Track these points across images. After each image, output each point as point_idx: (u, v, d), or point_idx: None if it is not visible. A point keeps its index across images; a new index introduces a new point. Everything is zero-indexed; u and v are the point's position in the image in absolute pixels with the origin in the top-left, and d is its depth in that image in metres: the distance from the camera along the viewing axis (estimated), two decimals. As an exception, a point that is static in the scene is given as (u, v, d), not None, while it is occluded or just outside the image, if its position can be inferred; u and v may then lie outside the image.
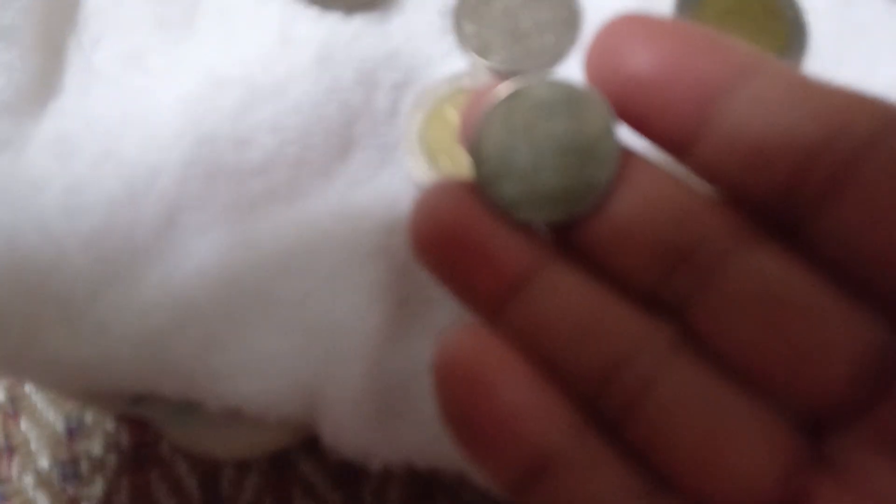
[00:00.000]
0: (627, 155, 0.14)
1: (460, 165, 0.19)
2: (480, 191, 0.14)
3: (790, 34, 0.19)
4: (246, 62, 0.18)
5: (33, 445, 0.21)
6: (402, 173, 0.19)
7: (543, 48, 0.19)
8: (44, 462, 0.21)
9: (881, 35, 0.19)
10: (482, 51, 0.19)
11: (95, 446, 0.21)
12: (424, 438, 0.17)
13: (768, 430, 0.13)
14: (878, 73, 0.18)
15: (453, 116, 0.19)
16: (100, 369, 0.17)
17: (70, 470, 0.21)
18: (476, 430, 0.13)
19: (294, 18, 0.18)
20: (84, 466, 0.21)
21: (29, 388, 0.22)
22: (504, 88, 0.13)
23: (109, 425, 0.21)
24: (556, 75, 0.14)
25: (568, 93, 0.13)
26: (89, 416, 0.22)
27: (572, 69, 0.19)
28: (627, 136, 0.14)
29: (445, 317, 0.18)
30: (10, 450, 0.21)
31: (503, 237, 0.14)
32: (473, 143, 0.14)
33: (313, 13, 0.19)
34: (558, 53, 0.19)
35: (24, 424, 0.22)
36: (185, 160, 0.17)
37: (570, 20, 0.19)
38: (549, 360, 0.13)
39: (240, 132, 0.18)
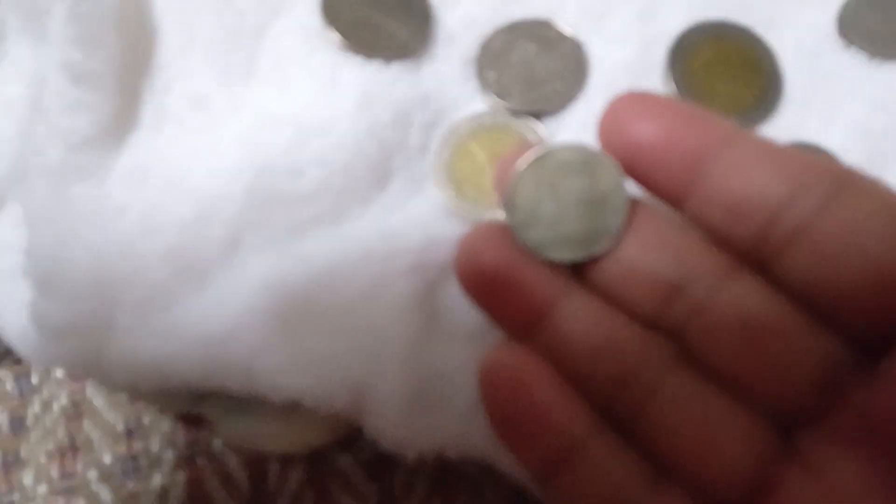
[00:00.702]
0: (635, 205, 0.17)
1: (483, 193, 0.21)
2: (513, 235, 0.17)
3: (767, 82, 0.22)
4: (298, 105, 0.21)
5: (96, 444, 0.24)
6: (432, 201, 0.21)
7: (555, 93, 0.22)
8: (106, 458, 0.23)
9: (844, 84, 0.22)
10: (502, 94, 0.22)
11: (153, 444, 0.23)
12: (454, 430, 0.19)
13: (748, 428, 0.15)
14: (839, 118, 0.21)
15: (477, 152, 0.22)
16: (171, 367, 0.19)
17: (130, 465, 0.23)
18: (514, 425, 0.16)
19: (340, 67, 0.21)
20: (143, 462, 0.23)
21: (90, 393, 0.24)
22: (533, 152, 0.16)
23: (165, 425, 0.23)
24: (575, 141, 0.17)
25: (585, 155, 0.16)
26: (147, 418, 0.24)
27: (579, 111, 0.22)
28: (635, 190, 0.16)
29: (471, 326, 0.20)
30: (75, 448, 0.23)
31: (533, 273, 0.17)
32: (508, 196, 0.17)
33: (357, 61, 0.21)
34: (567, 98, 0.22)
35: (86, 425, 0.24)
36: (246, 189, 0.20)
37: (577, 69, 0.22)
38: (572, 371, 0.16)
39: (292, 165, 0.20)
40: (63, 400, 0.24)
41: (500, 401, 0.17)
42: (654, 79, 0.22)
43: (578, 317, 0.16)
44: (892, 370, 0.14)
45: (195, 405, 0.21)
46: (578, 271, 0.17)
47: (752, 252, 0.15)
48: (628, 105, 0.16)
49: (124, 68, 0.21)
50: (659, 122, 0.16)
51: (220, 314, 0.19)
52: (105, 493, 0.23)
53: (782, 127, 0.21)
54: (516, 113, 0.22)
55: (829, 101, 0.21)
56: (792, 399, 0.15)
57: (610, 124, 0.16)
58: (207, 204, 0.20)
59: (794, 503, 0.14)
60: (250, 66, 0.21)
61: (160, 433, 0.23)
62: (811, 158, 0.15)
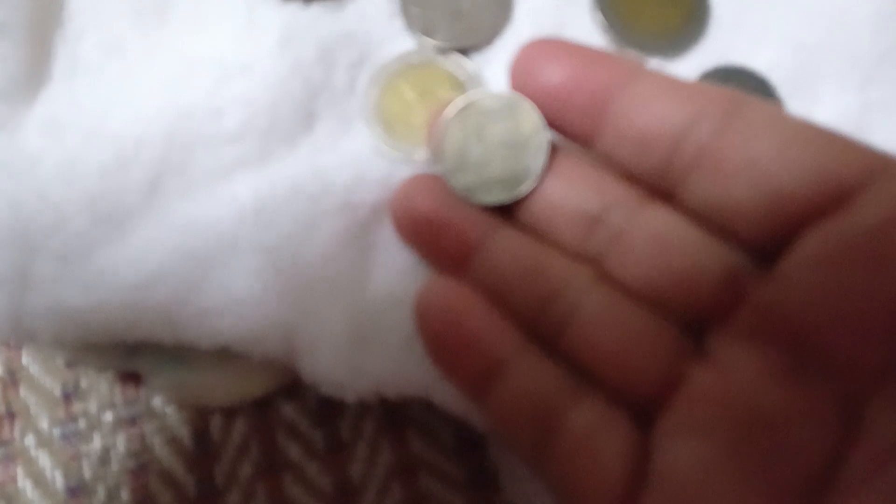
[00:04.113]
0: (555, 148, 0.18)
1: (413, 131, 0.21)
2: (444, 181, 0.18)
3: (694, 4, 0.22)
4: (217, 45, 0.20)
5: (32, 410, 0.23)
6: (361, 141, 0.21)
7: (481, 26, 0.22)
8: (43, 424, 0.23)
9: (772, 4, 0.22)
10: (427, 30, 0.21)
11: (92, 406, 0.23)
12: (391, 366, 0.19)
13: (661, 334, 0.17)
14: (769, 34, 0.21)
15: (405, 90, 0.22)
16: (95, 317, 0.18)
17: (69, 429, 0.23)
18: (448, 349, 0.18)
19: (258, 7, 0.21)
20: (82, 424, 0.23)
21: (26, 360, 0.24)
22: (459, 101, 0.18)
23: (104, 387, 0.23)
24: (497, 89, 0.18)
25: (507, 101, 0.18)
26: (84, 381, 0.23)
27: (507, 43, 0.22)
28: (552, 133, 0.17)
29: (403, 262, 0.20)
30: (11, 415, 0.23)
31: (463, 215, 0.18)
32: (437, 144, 0.18)
33: (274, 2, 0.21)
34: (494, 31, 0.22)
35: (22, 392, 0.23)
36: (167, 132, 0.19)
37: (502, 1, 0.22)
38: (500, 297, 0.18)
39: (213, 106, 0.20)
40: (-2, 368, 0.23)
41: (434, 329, 0.18)
42: (581, 4, 0.21)
43: (505, 248, 0.18)
44: (784, 271, 0.15)
45: (127, 360, 0.20)
46: (506, 211, 0.18)
47: (660, 181, 0.16)
48: (536, 51, 0.17)
49: (33, 17, 0.20)
50: (565, 65, 0.17)
51: (143, 260, 0.19)
52: (44, 458, 0.22)
53: (711, 48, 0.21)
54: (443, 50, 0.21)
55: (759, 18, 0.21)
56: (699, 305, 0.16)
57: (520, 72, 0.17)
58: (127, 150, 0.19)
59: (699, 394, 0.15)
60: (165, 10, 0.21)
61: (98, 395, 0.23)
62: (708, 86, 0.16)
